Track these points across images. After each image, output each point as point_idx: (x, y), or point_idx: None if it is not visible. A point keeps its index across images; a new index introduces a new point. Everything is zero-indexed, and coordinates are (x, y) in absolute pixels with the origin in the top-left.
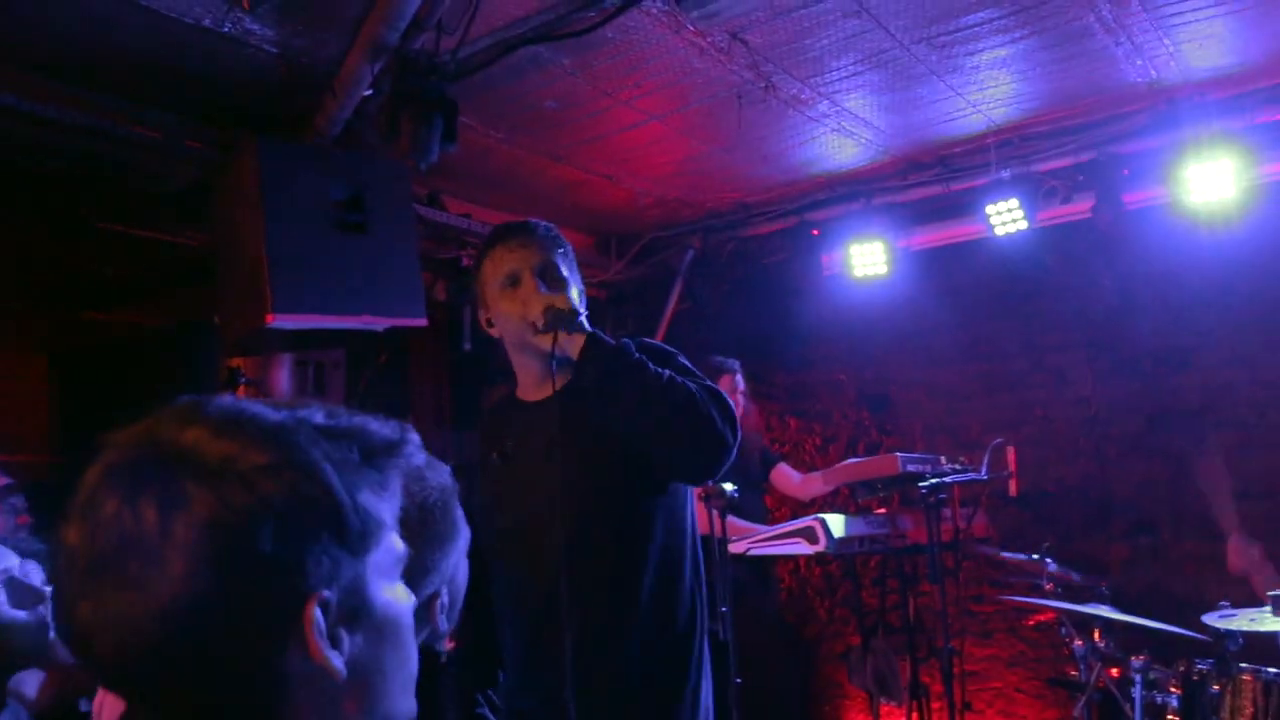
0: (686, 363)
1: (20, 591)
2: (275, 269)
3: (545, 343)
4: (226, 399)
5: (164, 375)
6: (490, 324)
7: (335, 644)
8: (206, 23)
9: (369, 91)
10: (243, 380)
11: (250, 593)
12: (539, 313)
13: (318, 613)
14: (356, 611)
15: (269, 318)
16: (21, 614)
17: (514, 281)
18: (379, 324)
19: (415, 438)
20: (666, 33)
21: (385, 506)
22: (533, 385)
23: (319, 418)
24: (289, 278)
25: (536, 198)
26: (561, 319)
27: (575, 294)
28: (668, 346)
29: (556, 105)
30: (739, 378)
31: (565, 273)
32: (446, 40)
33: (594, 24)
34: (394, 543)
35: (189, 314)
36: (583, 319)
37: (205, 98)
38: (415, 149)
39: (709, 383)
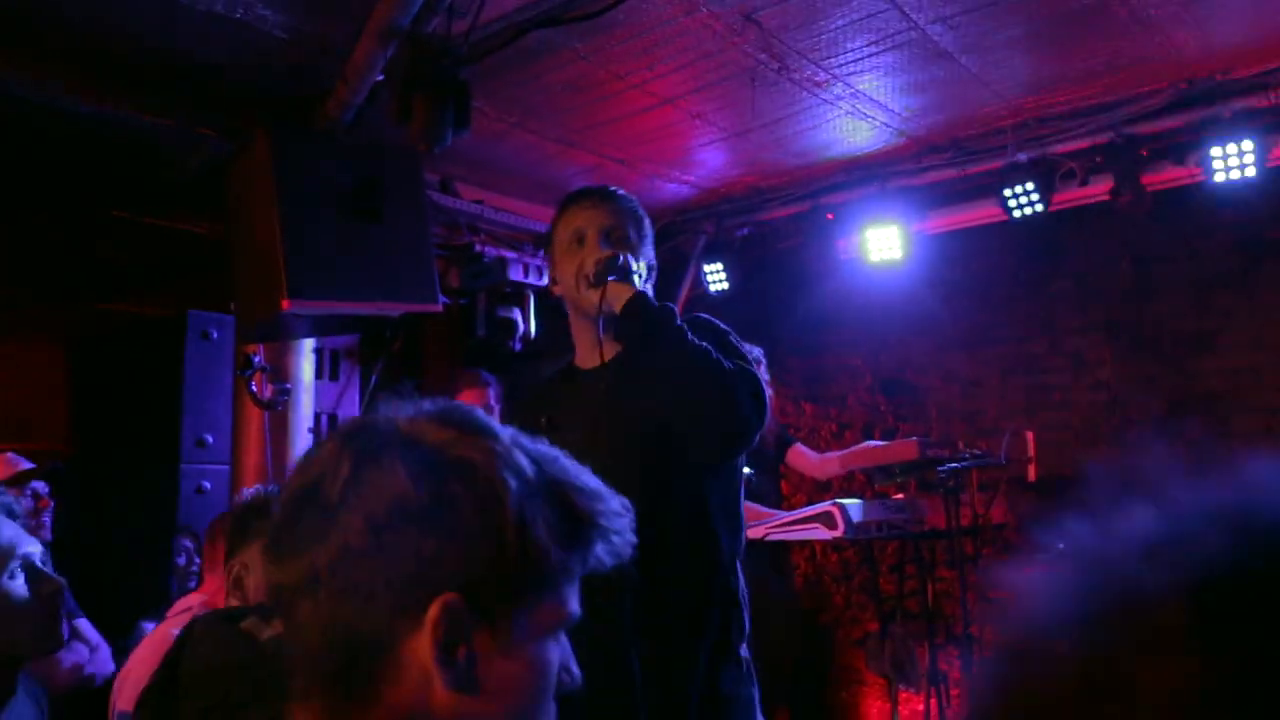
0: (736, 341)
1: (37, 578)
2: (290, 255)
3: (595, 297)
4: (476, 409)
5: (180, 363)
6: (555, 282)
7: (451, 653)
8: (218, 8)
9: (381, 76)
10: (259, 366)
11: (391, 564)
12: (592, 265)
13: (442, 612)
14: (494, 640)
15: (284, 304)
16: (34, 600)
17: (579, 239)
18: (393, 310)
19: (632, 514)
20: (679, 14)
21: (571, 561)
22: (586, 351)
23: (546, 457)
24: (303, 264)
25: (550, 183)
26: (613, 268)
27: (639, 262)
28: (721, 324)
29: (569, 89)
30: (762, 368)
31: (635, 240)
32: (458, 24)
33: (606, 6)
34: (566, 602)
35: (204, 301)
36: (634, 276)
37: (217, 84)
38: (428, 134)
39: (750, 366)
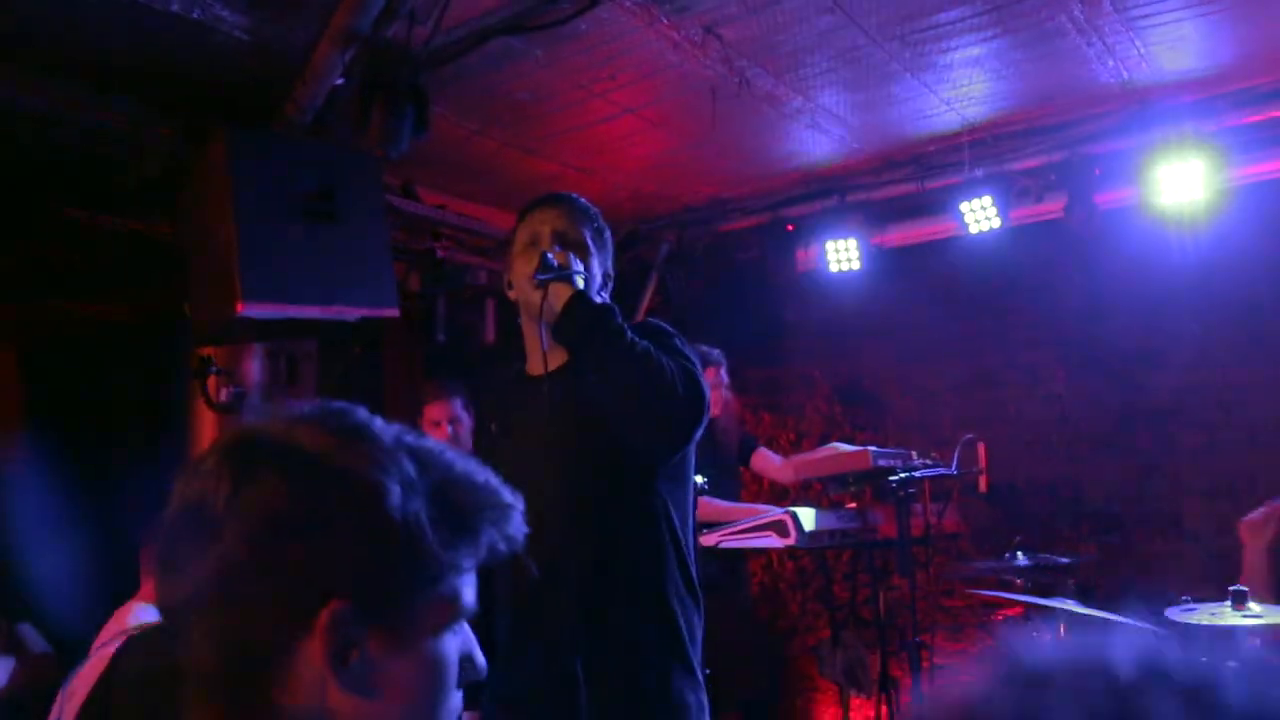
0: (681, 344)
1: None
2: (244, 258)
3: (538, 298)
4: (359, 410)
5: (135, 365)
6: (510, 286)
7: (342, 658)
8: (175, 8)
9: (340, 80)
10: (213, 370)
11: (275, 576)
12: (538, 263)
13: (330, 620)
14: (387, 641)
15: (239, 307)
16: None
17: (533, 240)
18: (350, 314)
19: (520, 508)
20: (640, 25)
21: (459, 557)
22: (535, 357)
23: (432, 455)
24: (258, 267)
25: (511, 189)
26: (546, 264)
27: (588, 266)
28: (667, 326)
29: (530, 97)
30: (723, 371)
31: (590, 245)
32: (419, 29)
33: (567, 16)
34: (461, 596)
35: (159, 303)
36: (575, 276)
37: (174, 85)
38: (385, 139)
39: (691, 364)
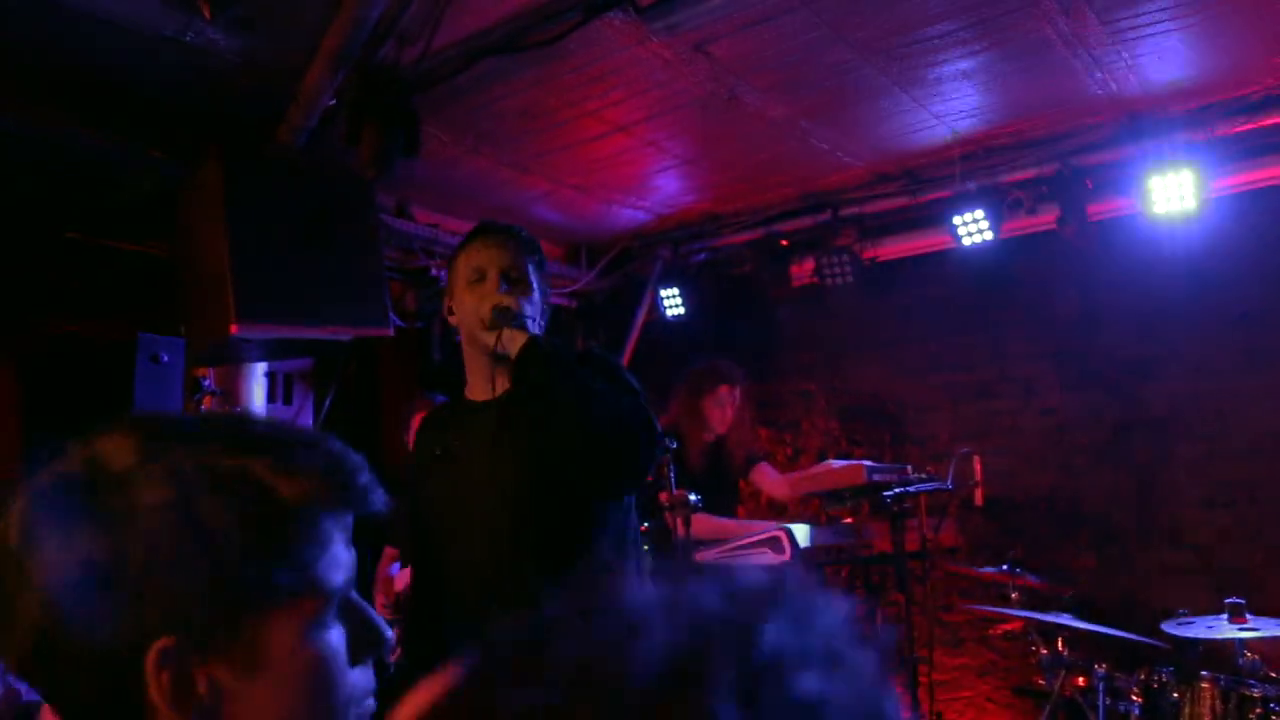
0: (629, 378)
1: None
2: (238, 279)
3: (491, 340)
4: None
5: (132, 385)
6: (451, 312)
7: (186, 692)
8: (169, 32)
9: (332, 102)
10: (208, 390)
11: (86, 634)
12: (487, 310)
13: (158, 658)
14: (250, 658)
15: (232, 328)
16: None
17: (480, 277)
18: (344, 334)
19: (354, 456)
20: (630, 44)
21: (311, 556)
22: (480, 385)
23: (254, 432)
24: (252, 288)
25: (505, 208)
26: (507, 317)
27: (534, 301)
28: (610, 357)
29: (522, 116)
30: (737, 390)
31: (532, 280)
32: (409, 50)
33: (557, 35)
34: (320, 585)
35: (157, 324)
36: (528, 321)
37: (169, 107)
38: (376, 160)
39: (642, 399)
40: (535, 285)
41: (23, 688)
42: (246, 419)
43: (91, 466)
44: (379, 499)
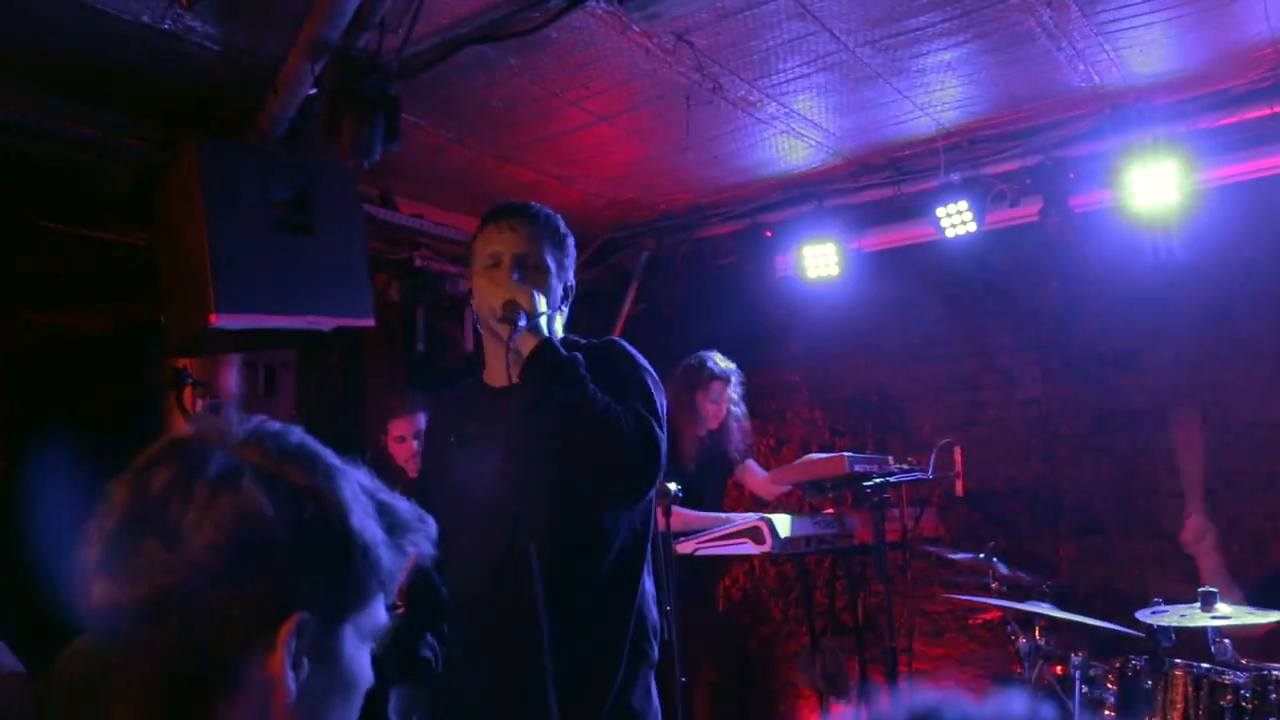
0: (642, 374)
1: None
2: (218, 269)
3: (504, 332)
4: (296, 430)
5: (113, 377)
6: (472, 295)
7: (295, 668)
8: (146, 19)
9: (312, 90)
10: (189, 381)
11: (247, 586)
12: (500, 303)
13: (294, 630)
14: (326, 651)
15: (212, 318)
16: None
17: (494, 263)
18: (325, 324)
19: (433, 529)
20: (612, 33)
21: (389, 576)
22: (498, 369)
23: (363, 478)
24: (232, 278)
25: (489, 198)
26: (516, 316)
27: (550, 291)
28: (633, 353)
29: (505, 105)
30: (731, 387)
31: (550, 266)
32: (391, 39)
33: (538, 24)
34: (380, 612)
35: (136, 315)
36: (539, 321)
37: (147, 96)
38: (356, 148)
39: (648, 410)
40: (552, 270)
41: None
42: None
43: (240, 453)
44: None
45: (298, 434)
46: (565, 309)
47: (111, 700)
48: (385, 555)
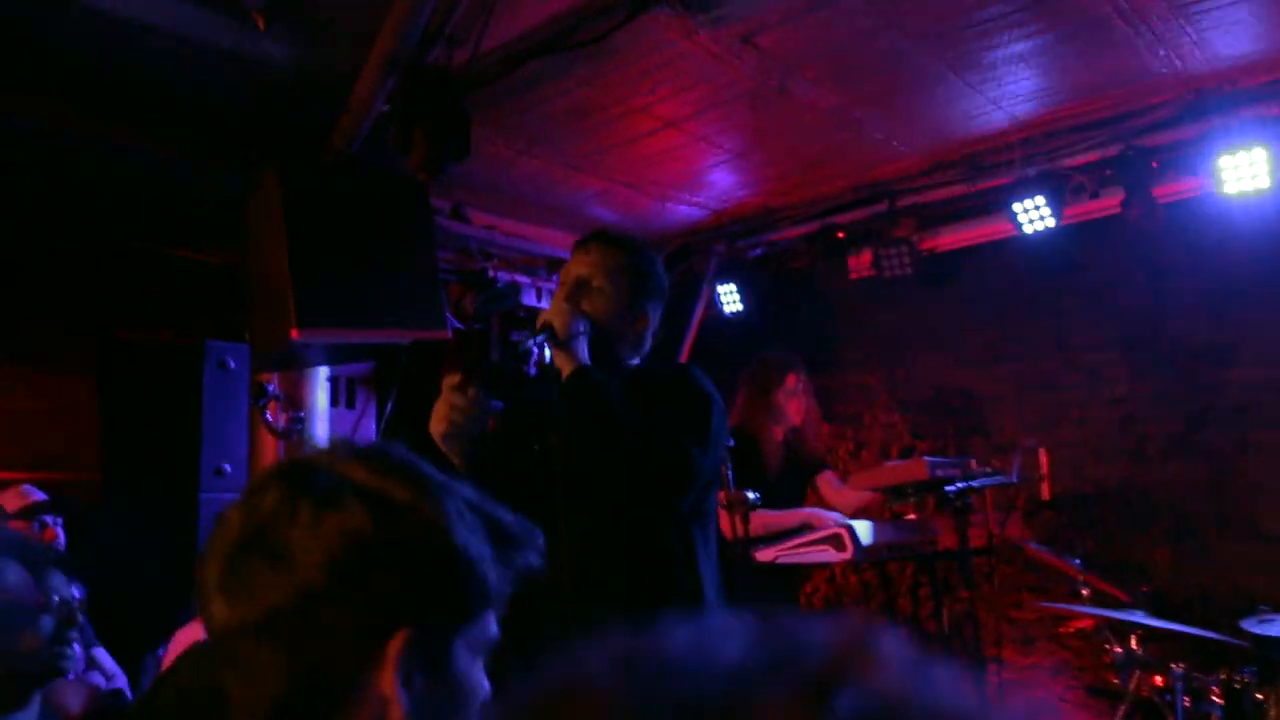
0: (701, 412)
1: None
2: (298, 286)
3: (549, 350)
4: (398, 447)
5: (199, 392)
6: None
7: (408, 683)
8: (226, 44)
9: (385, 107)
10: (272, 395)
11: (355, 604)
12: (539, 321)
13: (402, 646)
14: (438, 666)
15: (294, 333)
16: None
17: (562, 283)
18: (403, 337)
19: (541, 541)
20: (677, 38)
21: (497, 590)
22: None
23: (468, 492)
24: (312, 294)
25: (560, 208)
26: (545, 334)
27: (609, 311)
28: (694, 376)
29: (572, 115)
30: (801, 376)
31: (612, 291)
32: (459, 53)
33: (604, 32)
34: (491, 625)
35: (224, 331)
36: (577, 342)
37: (228, 118)
38: (427, 162)
39: (687, 447)
40: (614, 295)
41: (100, 681)
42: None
43: (346, 472)
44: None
45: (400, 450)
46: (636, 337)
47: (229, 716)
48: (492, 570)
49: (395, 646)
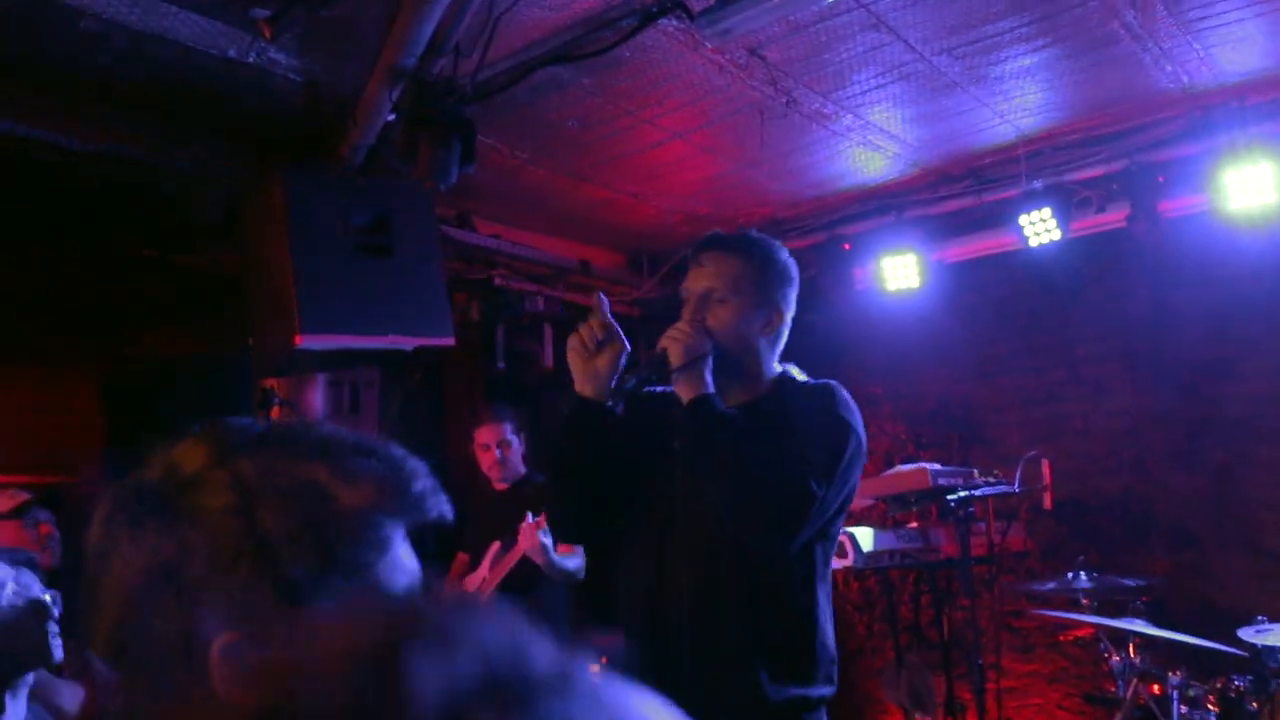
0: (836, 435)
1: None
2: (302, 292)
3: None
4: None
5: (207, 397)
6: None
7: (249, 682)
8: (232, 54)
9: (390, 116)
10: (276, 401)
11: (163, 622)
12: (658, 347)
13: (222, 653)
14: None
15: (297, 339)
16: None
17: (684, 300)
18: (406, 343)
19: (416, 463)
20: (684, 50)
21: (369, 559)
22: None
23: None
24: (316, 300)
25: (566, 217)
26: (657, 367)
27: (737, 322)
28: (837, 394)
29: (579, 125)
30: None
31: (738, 298)
32: (465, 64)
33: (611, 44)
34: (380, 592)
35: (228, 336)
36: (701, 364)
37: (234, 126)
38: (434, 171)
39: (809, 474)
40: (742, 302)
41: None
42: (310, 426)
43: (166, 471)
44: (439, 505)
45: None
46: (772, 335)
47: None
48: (307, 553)
49: (214, 657)
